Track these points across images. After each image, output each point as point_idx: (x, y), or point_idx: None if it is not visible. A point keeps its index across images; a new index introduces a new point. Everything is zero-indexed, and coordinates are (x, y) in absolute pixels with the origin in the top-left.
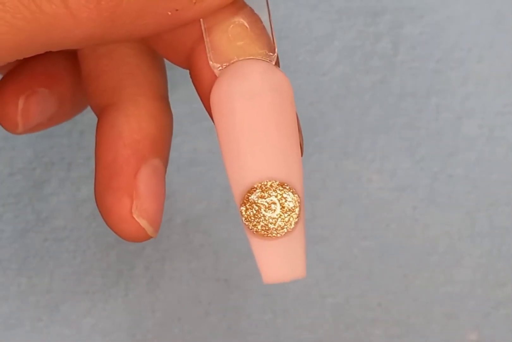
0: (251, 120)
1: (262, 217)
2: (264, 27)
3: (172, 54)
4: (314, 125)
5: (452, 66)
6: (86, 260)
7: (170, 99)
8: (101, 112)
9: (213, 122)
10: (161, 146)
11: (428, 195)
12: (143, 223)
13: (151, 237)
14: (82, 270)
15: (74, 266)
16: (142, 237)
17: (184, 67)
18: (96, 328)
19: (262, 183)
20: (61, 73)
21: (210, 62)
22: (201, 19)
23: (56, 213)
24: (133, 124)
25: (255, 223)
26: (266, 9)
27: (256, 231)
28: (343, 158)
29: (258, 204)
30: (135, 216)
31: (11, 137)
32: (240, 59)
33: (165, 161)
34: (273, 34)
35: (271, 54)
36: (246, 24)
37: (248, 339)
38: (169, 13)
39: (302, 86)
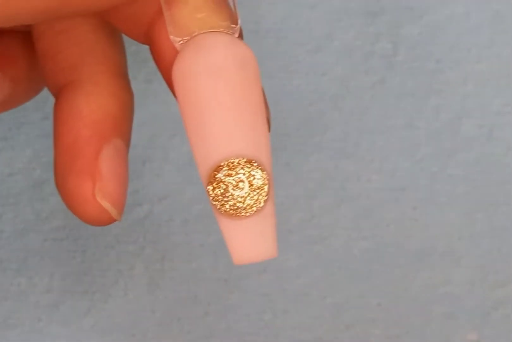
0: (215, 95)
1: (230, 196)
2: None
3: (131, 29)
4: (313, 125)
5: (451, 66)
6: (86, 260)
7: (169, 100)
8: (59, 92)
9: (176, 98)
10: (123, 125)
11: (427, 195)
12: (106, 205)
13: (115, 220)
14: (82, 270)
15: (73, 266)
16: (106, 220)
17: (143, 43)
18: (96, 328)
19: (229, 161)
20: (14, 55)
21: (171, 36)
22: None
23: (56, 213)
24: (93, 103)
25: (223, 202)
26: None
27: (224, 211)
28: (343, 158)
29: (225, 182)
30: (98, 198)
31: (11, 137)
32: (202, 32)
33: (127, 142)
34: (236, 4)
35: (234, 26)
36: None
37: (248, 339)
38: None
39: (302, 86)
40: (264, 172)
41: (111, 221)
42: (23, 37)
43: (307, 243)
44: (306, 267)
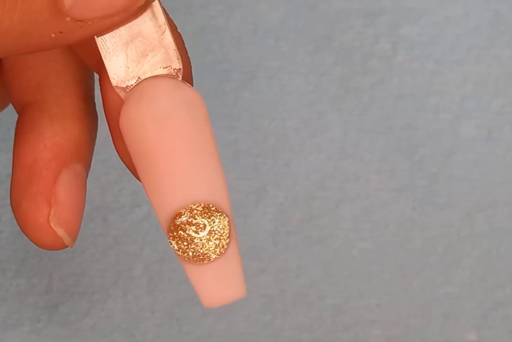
0: (165, 144)
1: (192, 242)
2: (166, 39)
3: (88, 58)
4: (313, 126)
5: (450, 67)
6: (85, 261)
7: None
8: (22, 110)
9: (117, 149)
10: (85, 150)
11: (426, 196)
12: (60, 231)
13: (67, 247)
14: (81, 270)
15: (72, 267)
16: (58, 246)
17: (98, 74)
18: (95, 329)
19: (187, 208)
20: None
21: (115, 87)
22: (97, 40)
23: None
24: (56, 126)
25: (185, 249)
26: (165, 21)
27: (188, 258)
28: (342, 159)
29: (186, 230)
30: (52, 224)
31: (10, 138)
32: (145, 78)
33: (87, 167)
34: (179, 45)
35: (176, 68)
36: (146, 40)
37: (247, 339)
38: (53, 35)
39: (301, 87)
40: (223, 215)
41: (63, 247)
42: None
43: (307, 244)
44: (305, 267)
